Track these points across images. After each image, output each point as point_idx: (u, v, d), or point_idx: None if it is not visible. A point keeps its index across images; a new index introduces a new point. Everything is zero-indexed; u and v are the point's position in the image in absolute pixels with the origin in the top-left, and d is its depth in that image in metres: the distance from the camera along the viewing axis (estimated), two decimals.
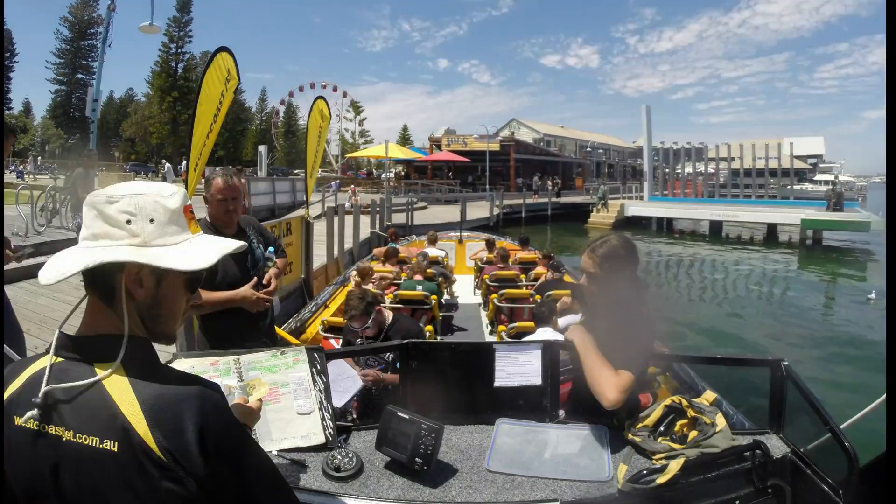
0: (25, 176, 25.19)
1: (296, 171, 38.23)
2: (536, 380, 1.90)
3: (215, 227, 2.53)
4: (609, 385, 1.60)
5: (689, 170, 29.85)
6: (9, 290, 5.88)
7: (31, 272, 6.62)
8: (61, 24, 50.95)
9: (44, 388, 0.73)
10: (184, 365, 1.61)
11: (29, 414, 0.73)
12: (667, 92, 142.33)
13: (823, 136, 58.92)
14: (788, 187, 28.70)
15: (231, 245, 0.89)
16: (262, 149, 26.62)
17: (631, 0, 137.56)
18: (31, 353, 3.98)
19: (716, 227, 22.69)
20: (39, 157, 38.45)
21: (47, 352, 0.80)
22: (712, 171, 29.66)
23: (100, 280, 0.79)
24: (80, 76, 51.52)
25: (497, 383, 1.90)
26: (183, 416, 0.73)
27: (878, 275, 13.59)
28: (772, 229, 21.30)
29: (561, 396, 1.98)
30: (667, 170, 29.99)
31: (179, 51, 51.47)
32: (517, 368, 1.92)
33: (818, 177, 43.64)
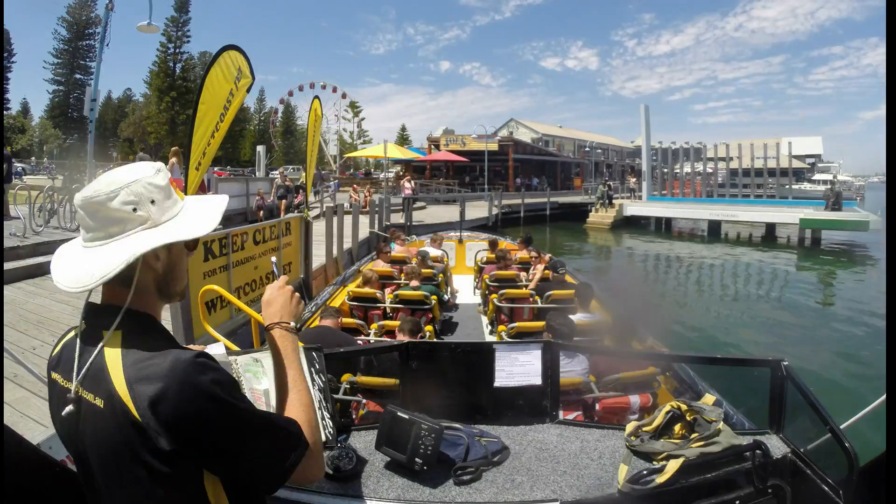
0: (24, 176, 25.09)
1: None
2: (536, 380, 1.90)
3: None
4: None
5: (687, 169, 29.86)
6: (7, 290, 5.88)
7: (30, 272, 6.60)
8: (59, 24, 50.91)
9: (76, 373, 0.84)
10: None
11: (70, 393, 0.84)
12: (664, 93, 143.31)
13: (820, 136, 58.83)
14: (787, 187, 28.71)
15: (222, 201, 1.00)
16: (260, 149, 26.58)
17: (630, 6, 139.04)
18: (28, 354, 3.97)
19: (714, 226, 22.72)
20: (37, 157, 38.31)
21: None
22: (711, 170, 29.68)
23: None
24: (77, 76, 51.43)
25: (497, 383, 1.90)
26: (159, 381, 0.78)
27: (876, 274, 13.62)
28: (770, 229, 21.32)
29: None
30: (665, 169, 30.01)
31: (177, 51, 51.41)
32: (517, 368, 1.92)
33: (817, 176, 43.70)
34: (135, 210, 0.86)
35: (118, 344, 0.84)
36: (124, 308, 0.86)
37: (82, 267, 0.84)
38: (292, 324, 1.04)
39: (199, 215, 0.94)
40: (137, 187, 0.87)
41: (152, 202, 0.88)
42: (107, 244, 0.85)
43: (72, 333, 0.92)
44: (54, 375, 0.90)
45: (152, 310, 0.91)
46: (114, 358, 0.82)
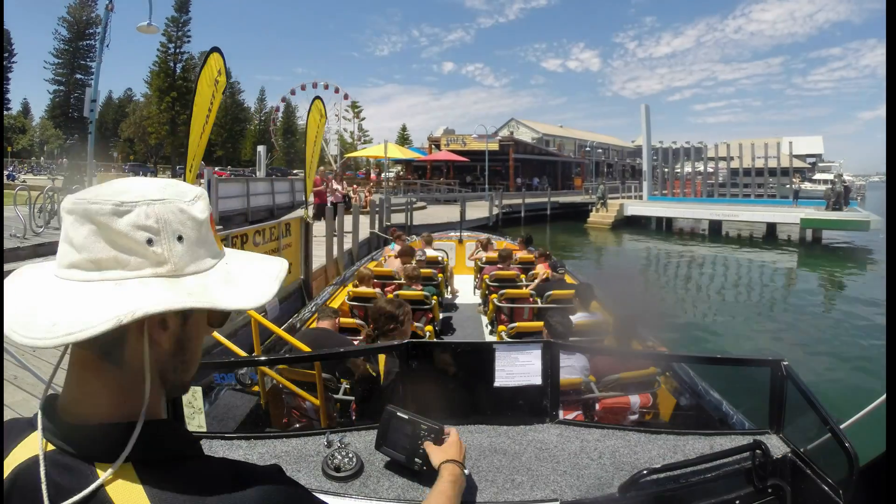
0: (18, 178, 25.15)
1: (294, 172, 38.24)
2: (536, 380, 1.90)
3: None
4: None
5: (688, 169, 29.87)
6: None
7: None
8: (60, 24, 50.98)
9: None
10: None
11: None
12: (664, 93, 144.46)
13: (821, 136, 58.88)
14: (787, 186, 28.71)
15: (279, 267, 0.66)
16: (260, 149, 26.62)
17: (632, 9, 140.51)
18: (28, 356, 3.96)
19: (715, 226, 22.73)
20: (36, 157, 38.42)
21: (32, 425, 0.57)
22: (711, 170, 29.69)
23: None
24: (78, 76, 51.48)
25: (497, 383, 1.90)
26: None
27: (876, 274, 13.62)
28: (771, 228, 21.34)
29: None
30: (666, 169, 30.03)
31: (178, 51, 51.43)
32: (517, 368, 1.92)
33: (817, 175, 43.71)
34: (150, 243, 0.55)
35: (134, 479, 0.52)
36: (140, 424, 0.54)
37: (44, 309, 0.52)
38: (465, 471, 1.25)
39: (244, 278, 0.61)
40: (164, 210, 0.56)
41: (179, 239, 0.57)
42: (92, 282, 0.53)
43: (26, 453, 0.56)
44: None
45: (153, 409, 0.57)
46: None
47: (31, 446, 0.56)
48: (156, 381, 0.58)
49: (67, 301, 0.52)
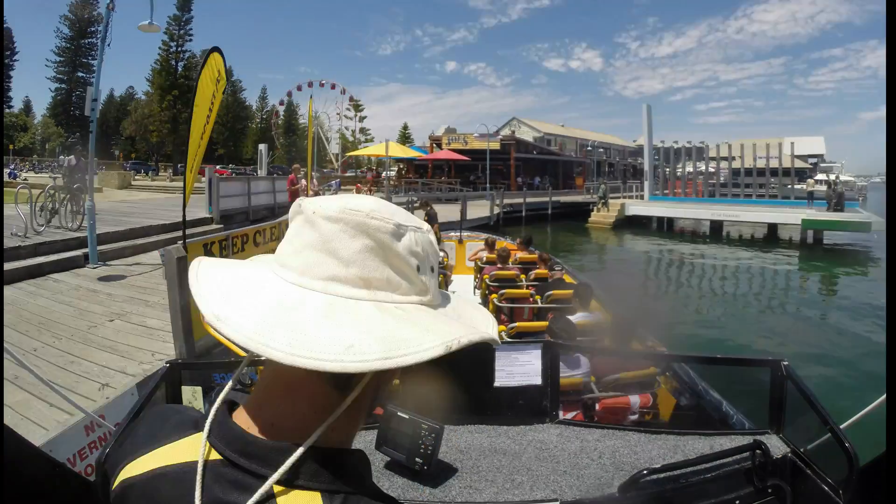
0: (20, 175, 25.17)
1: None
2: (536, 380, 1.90)
3: None
4: None
5: (689, 169, 29.83)
6: (7, 290, 5.88)
7: (31, 272, 6.62)
8: (62, 22, 51.05)
9: None
10: None
11: None
12: (666, 93, 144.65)
13: (822, 136, 58.82)
14: (789, 187, 28.64)
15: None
16: (262, 147, 26.56)
17: (634, 9, 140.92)
18: (29, 355, 3.97)
19: (716, 226, 22.71)
20: (38, 156, 38.48)
21: (197, 427, 0.52)
22: (713, 170, 29.64)
23: None
24: (80, 74, 51.56)
25: (497, 383, 1.90)
26: None
27: (877, 275, 13.60)
28: (772, 229, 21.31)
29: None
30: (667, 169, 29.99)
31: (180, 49, 51.42)
32: (517, 368, 1.92)
33: (818, 176, 43.68)
34: (418, 270, 0.52)
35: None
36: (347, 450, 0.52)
37: (318, 325, 0.45)
38: None
39: (465, 313, 0.57)
40: (424, 239, 0.54)
41: (431, 269, 0.55)
42: (360, 301, 0.49)
43: (180, 456, 0.51)
44: None
45: (349, 442, 0.54)
46: None
47: (189, 451, 0.50)
48: (363, 410, 0.54)
49: (346, 319, 0.46)
